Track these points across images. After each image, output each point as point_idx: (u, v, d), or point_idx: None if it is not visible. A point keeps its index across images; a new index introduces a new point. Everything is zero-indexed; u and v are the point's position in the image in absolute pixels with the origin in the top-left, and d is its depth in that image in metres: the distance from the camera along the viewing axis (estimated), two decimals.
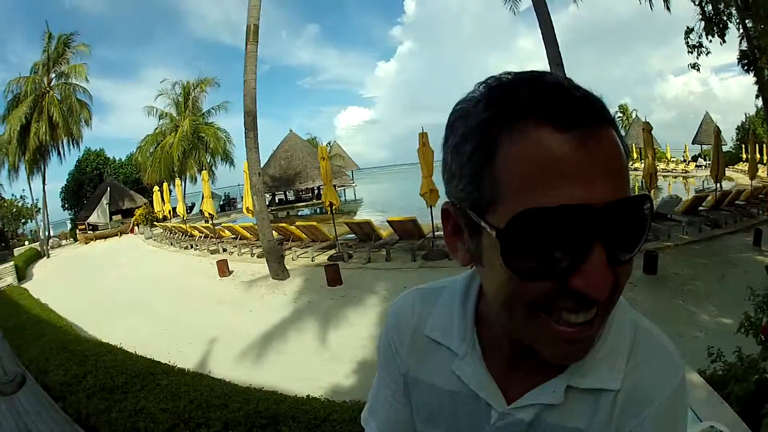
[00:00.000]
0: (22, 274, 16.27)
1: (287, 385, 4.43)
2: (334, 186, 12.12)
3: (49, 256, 22.47)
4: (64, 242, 29.39)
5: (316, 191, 29.59)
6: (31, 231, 35.93)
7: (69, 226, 34.06)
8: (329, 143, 42.79)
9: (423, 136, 9.26)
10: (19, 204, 35.47)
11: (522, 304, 0.43)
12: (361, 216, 21.19)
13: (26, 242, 29.57)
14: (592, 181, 0.39)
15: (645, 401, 0.50)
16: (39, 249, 23.37)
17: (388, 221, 10.25)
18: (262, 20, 9.55)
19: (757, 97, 12.01)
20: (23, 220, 36.52)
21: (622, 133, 0.47)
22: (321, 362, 4.91)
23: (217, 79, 30.27)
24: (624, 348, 0.52)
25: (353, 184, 34.60)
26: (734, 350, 2.30)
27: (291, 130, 30.58)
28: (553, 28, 7.47)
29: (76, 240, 28.09)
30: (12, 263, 16.90)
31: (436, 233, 9.44)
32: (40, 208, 27.00)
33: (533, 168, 0.39)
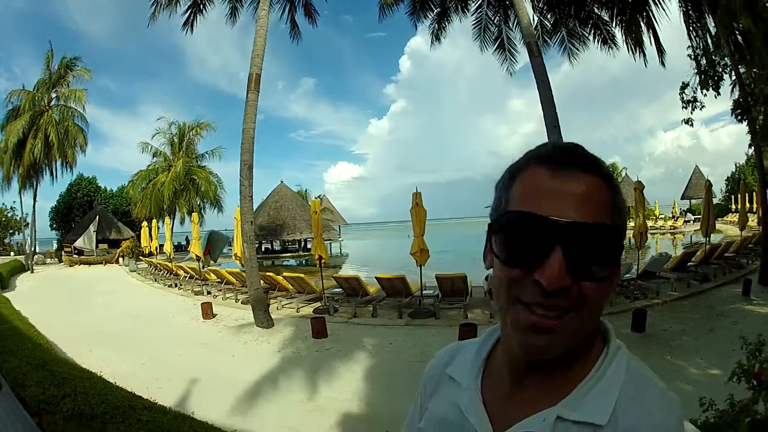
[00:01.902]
0: (5, 284, 16.02)
1: None
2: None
3: (33, 272, 22.24)
4: (48, 261, 29.06)
5: (302, 243, 29.53)
6: (17, 243, 35.43)
7: (55, 246, 33.71)
8: (319, 196, 42.55)
9: (416, 195, 9.32)
10: (9, 214, 35.17)
11: (504, 288, 0.56)
12: (345, 271, 21.15)
13: (11, 253, 29.08)
14: (558, 202, 0.53)
15: None
16: (24, 262, 23.09)
17: (376, 278, 10.14)
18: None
19: (750, 146, 11.73)
20: (11, 231, 36.07)
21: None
22: (305, 413, 4.83)
23: (214, 125, 30.46)
24: (615, 387, 0.56)
25: (340, 239, 34.58)
26: (725, 399, 2.32)
27: (282, 181, 30.81)
28: (551, 89, 7.35)
29: (60, 261, 27.84)
30: None
31: (423, 292, 9.44)
32: (28, 223, 26.86)
33: (526, 189, 0.57)
